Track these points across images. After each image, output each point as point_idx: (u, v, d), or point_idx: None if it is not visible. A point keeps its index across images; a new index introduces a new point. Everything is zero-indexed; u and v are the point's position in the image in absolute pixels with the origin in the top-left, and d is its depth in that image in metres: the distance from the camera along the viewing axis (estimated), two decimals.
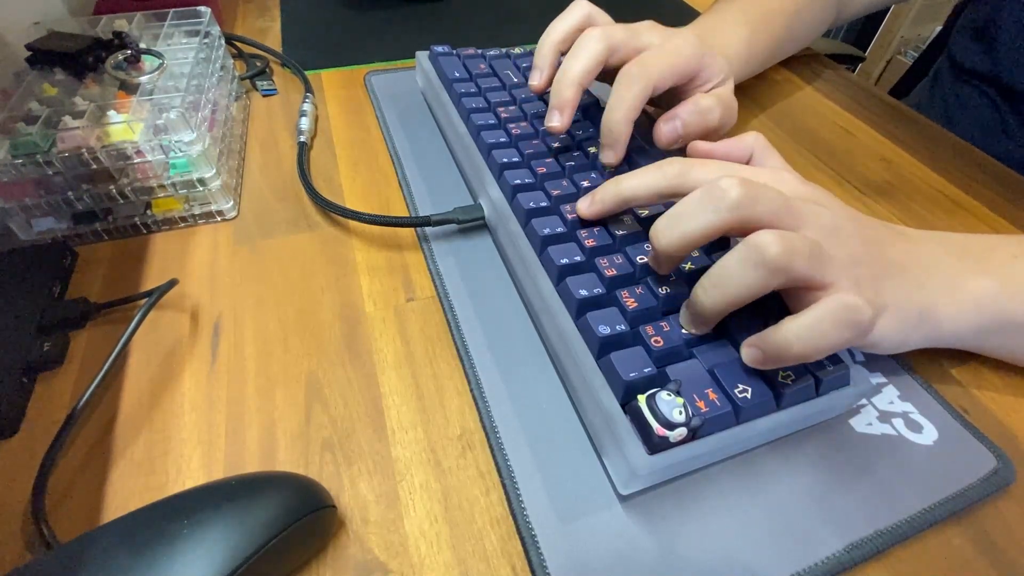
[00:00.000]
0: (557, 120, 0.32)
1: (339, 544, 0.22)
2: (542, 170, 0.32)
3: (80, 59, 0.33)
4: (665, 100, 0.38)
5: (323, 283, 0.31)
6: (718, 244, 0.28)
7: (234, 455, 0.24)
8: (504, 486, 0.23)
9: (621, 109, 0.30)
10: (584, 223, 0.29)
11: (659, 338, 0.24)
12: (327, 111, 0.44)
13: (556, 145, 0.34)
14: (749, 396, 0.23)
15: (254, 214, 0.35)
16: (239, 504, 0.20)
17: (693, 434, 0.22)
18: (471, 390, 0.26)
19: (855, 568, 0.22)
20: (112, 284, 0.30)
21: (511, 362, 0.27)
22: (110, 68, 0.34)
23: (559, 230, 0.28)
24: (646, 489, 0.23)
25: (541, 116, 0.36)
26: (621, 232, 0.28)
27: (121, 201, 0.32)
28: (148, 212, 0.33)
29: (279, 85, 0.45)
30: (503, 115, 0.36)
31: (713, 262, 0.23)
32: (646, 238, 0.28)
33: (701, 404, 0.22)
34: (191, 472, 0.23)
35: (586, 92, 0.40)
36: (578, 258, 0.27)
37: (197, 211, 0.33)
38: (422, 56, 0.43)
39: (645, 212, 0.30)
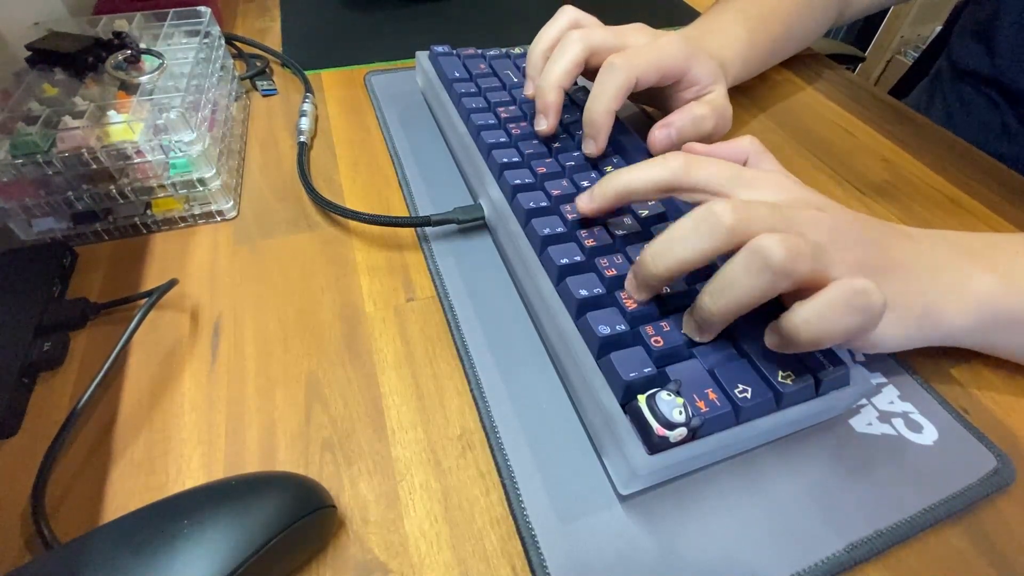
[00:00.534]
0: (544, 124, 0.33)
1: (339, 544, 0.22)
2: (542, 170, 0.32)
3: (80, 59, 0.33)
4: (659, 103, 0.38)
5: (323, 283, 0.31)
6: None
7: (234, 455, 0.24)
8: (504, 486, 0.23)
9: (602, 100, 0.31)
10: (584, 223, 0.29)
11: (659, 338, 0.24)
12: (327, 111, 0.44)
13: (556, 145, 0.34)
14: (749, 396, 0.23)
15: (254, 214, 0.35)
16: (239, 504, 0.20)
17: (693, 434, 0.22)
18: (471, 390, 0.26)
19: (855, 568, 0.22)
20: (112, 284, 0.30)
21: (511, 362, 0.27)
22: (110, 68, 0.34)
23: (559, 230, 0.28)
24: (646, 489, 0.23)
25: None
26: (621, 232, 0.28)
27: (121, 201, 0.32)
28: (148, 212, 0.33)
29: (279, 85, 0.45)
30: (503, 115, 0.36)
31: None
32: (646, 238, 0.28)
33: (701, 404, 0.22)
34: (191, 472, 0.23)
35: (585, 92, 0.40)
36: (578, 258, 0.27)
37: (197, 211, 0.33)
38: (422, 56, 0.43)
39: (645, 212, 0.30)
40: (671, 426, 0.21)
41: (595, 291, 0.26)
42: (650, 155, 0.34)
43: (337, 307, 0.30)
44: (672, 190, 0.26)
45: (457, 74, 0.40)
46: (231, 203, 0.34)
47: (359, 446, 0.25)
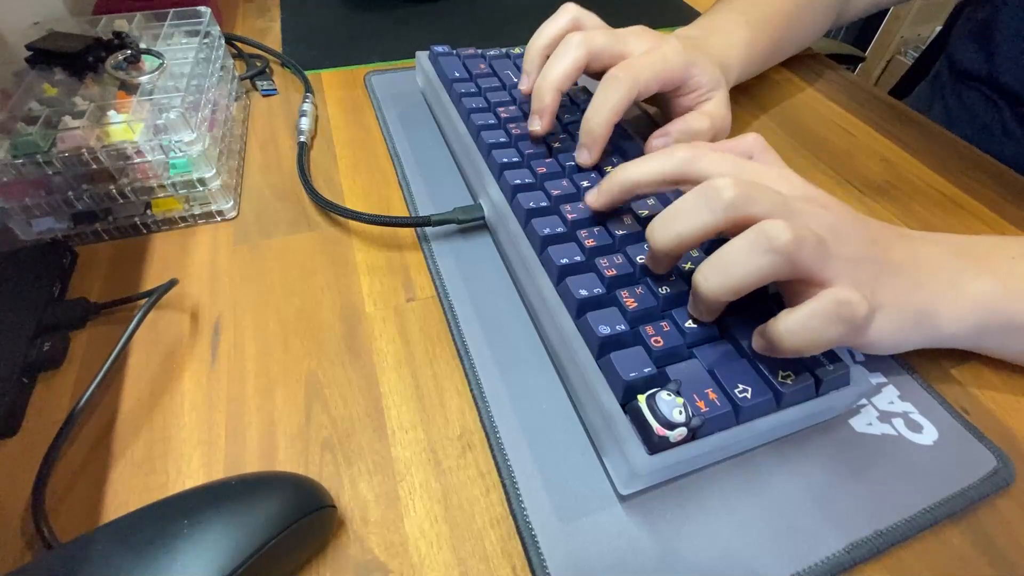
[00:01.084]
0: (537, 124, 0.33)
1: (339, 544, 0.22)
2: (542, 170, 0.32)
3: (80, 59, 0.33)
4: (660, 106, 0.38)
5: (323, 283, 0.31)
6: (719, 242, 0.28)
7: (234, 455, 0.24)
8: (504, 486, 0.23)
9: (603, 112, 0.31)
10: (584, 223, 0.29)
11: (659, 338, 0.24)
12: (327, 111, 0.44)
13: (556, 145, 0.34)
14: (749, 396, 0.23)
15: (254, 214, 0.35)
16: (239, 504, 0.20)
17: (693, 434, 0.22)
18: (471, 390, 0.26)
19: (855, 568, 0.22)
20: (112, 284, 0.30)
21: (511, 362, 0.27)
22: (110, 68, 0.34)
23: (559, 230, 0.28)
24: (646, 489, 0.23)
25: None
26: (621, 232, 0.28)
27: (121, 201, 0.32)
28: (148, 212, 0.33)
29: (279, 85, 0.45)
30: (503, 115, 0.36)
31: None
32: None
33: (701, 404, 0.22)
34: (191, 472, 0.23)
35: (586, 93, 0.40)
36: (578, 258, 0.27)
37: (197, 211, 0.33)
38: (422, 56, 0.43)
39: (645, 213, 0.30)
40: (671, 426, 0.21)
41: (595, 291, 0.26)
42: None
43: (337, 307, 0.30)
44: (678, 181, 0.26)
45: (457, 74, 0.40)
46: (231, 203, 0.34)
47: (359, 446, 0.25)
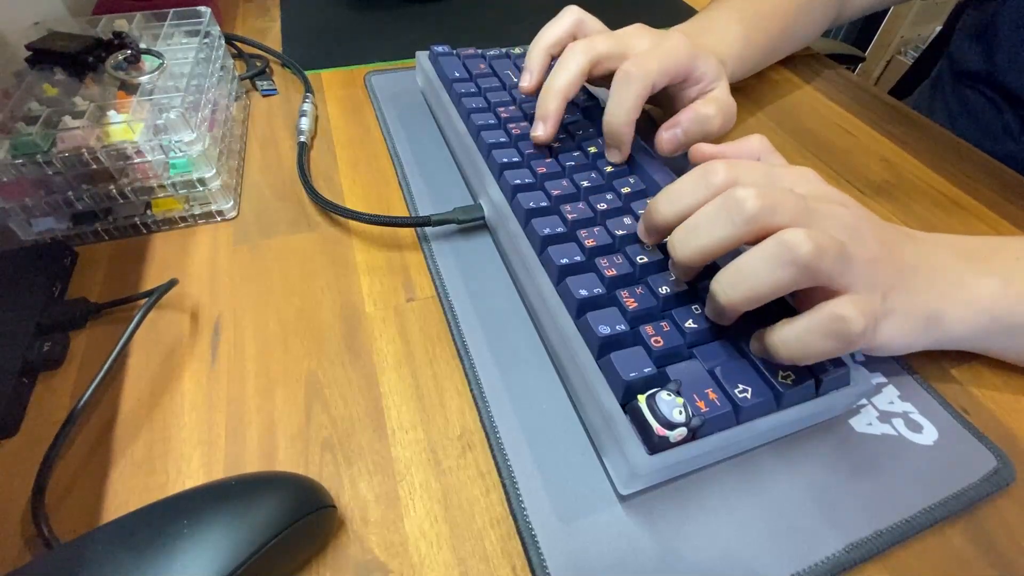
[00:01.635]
0: (542, 130, 0.33)
1: (339, 544, 0.22)
2: (542, 170, 0.32)
3: (80, 59, 0.33)
4: (662, 102, 0.38)
5: (323, 283, 0.31)
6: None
7: (234, 455, 0.24)
8: (504, 486, 0.23)
9: (622, 111, 0.31)
10: (584, 223, 0.29)
11: (659, 338, 0.24)
12: (327, 111, 0.44)
13: (556, 145, 0.34)
14: (749, 396, 0.23)
15: (254, 214, 0.35)
16: (239, 504, 0.20)
17: (693, 434, 0.22)
18: (471, 390, 0.26)
19: (855, 568, 0.22)
20: (112, 284, 0.30)
21: (511, 362, 0.27)
22: (110, 68, 0.34)
23: (559, 230, 0.28)
24: (646, 489, 0.23)
25: None
26: (621, 232, 0.28)
27: (121, 201, 0.32)
28: (148, 212, 0.33)
29: (279, 85, 0.45)
30: (503, 115, 0.36)
31: None
32: None
33: (701, 404, 0.22)
34: (191, 472, 0.23)
35: (586, 92, 0.40)
36: (578, 258, 0.27)
37: (197, 211, 0.33)
38: (422, 56, 0.43)
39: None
40: (671, 426, 0.21)
41: (595, 291, 0.26)
42: (653, 155, 0.34)
43: (337, 307, 0.30)
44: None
45: (457, 74, 0.40)
46: (231, 203, 0.34)
47: (359, 446, 0.25)
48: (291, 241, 0.33)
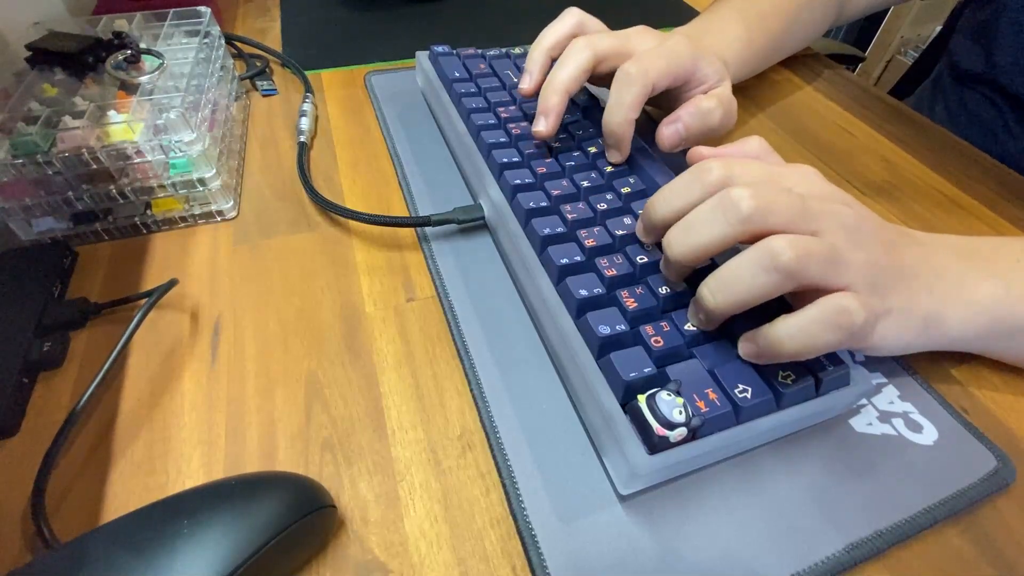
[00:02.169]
0: (543, 125, 0.32)
1: (339, 544, 0.22)
2: (542, 170, 0.32)
3: (80, 59, 0.33)
4: (664, 104, 0.38)
5: (323, 283, 0.31)
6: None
7: (234, 455, 0.24)
8: (504, 486, 0.23)
9: (621, 110, 0.31)
10: (584, 223, 0.29)
11: (659, 338, 0.24)
12: (327, 111, 0.44)
13: (556, 145, 0.34)
14: (749, 396, 0.23)
15: (254, 214, 0.35)
16: (239, 504, 0.20)
17: (693, 434, 0.22)
18: (471, 390, 0.26)
19: (855, 568, 0.22)
20: (112, 284, 0.30)
21: (511, 362, 0.27)
22: (110, 68, 0.34)
23: (559, 230, 0.28)
24: (646, 489, 0.23)
25: None
26: (621, 232, 0.28)
27: (121, 201, 0.32)
28: (148, 212, 0.33)
29: (279, 85, 0.45)
30: (503, 115, 0.36)
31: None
32: None
33: (701, 404, 0.22)
34: (191, 472, 0.23)
35: (586, 92, 0.40)
36: (578, 258, 0.27)
37: (197, 211, 0.33)
38: (422, 56, 0.43)
39: None
40: (671, 426, 0.21)
41: (595, 291, 0.26)
42: (653, 155, 0.34)
43: (337, 307, 0.30)
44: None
45: (457, 74, 0.40)
46: (231, 203, 0.34)
47: (359, 446, 0.25)
48: (291, 241, 0.33)
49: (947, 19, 0.67)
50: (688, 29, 0.42)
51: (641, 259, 0.27)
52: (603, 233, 0.29)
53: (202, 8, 0.39)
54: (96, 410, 0.25)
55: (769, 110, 0.48)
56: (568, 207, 0.30)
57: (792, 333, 0.21)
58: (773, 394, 0.23)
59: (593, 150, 0.34)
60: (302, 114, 0.41)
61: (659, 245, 0.28)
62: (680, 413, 0.21)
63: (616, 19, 0.37)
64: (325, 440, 0.25)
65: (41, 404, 0.25)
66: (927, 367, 0.29)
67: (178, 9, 0.39)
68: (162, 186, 0.32)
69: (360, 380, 0.27)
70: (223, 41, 0.41)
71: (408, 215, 0.35)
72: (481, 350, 0.28)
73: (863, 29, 1.65)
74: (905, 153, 0.44)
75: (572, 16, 0.35)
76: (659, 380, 0.23)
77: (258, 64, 0.46)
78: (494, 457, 0.24)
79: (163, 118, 0.30)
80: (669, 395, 0.22)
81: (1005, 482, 0.24)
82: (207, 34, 0.38)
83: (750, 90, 0.49)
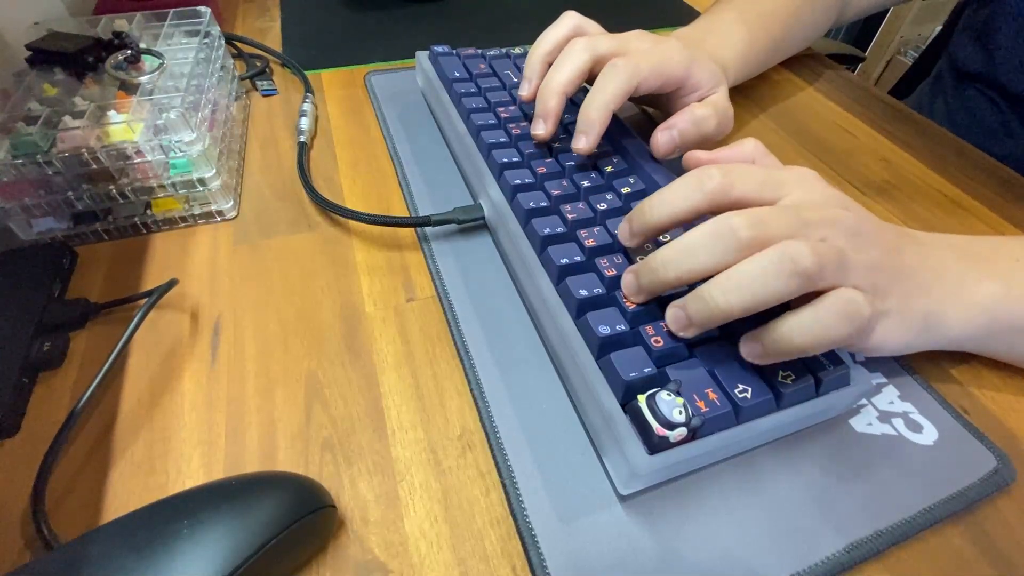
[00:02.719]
0: (542, 128, 0.33)
1: (339, 544, 0.22)
2: (542, 170, 0.32)
3: (80, 59, 0.33)
4: (661, 106, 0.38)
5: (323, 283, 0.31)
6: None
7: (234, 455, 0.24)
8: (504, 486, 0.23)
9: (600, 98, 0.30)
10: (584, 223, 0.29)
11: (659, 338, 0.24)
12: (327, 111, 0.44)
13: (556, 145, 0.34)
14: (749, 396, 0.23)
15: (254, 214, 0.35)
16: (239, 504, 0.20)
17: (693, 434, 0.22)
18: (471, 390, 0.26)
19: (855, 568, 0.22)
20: (112, 284, 0.30)
21: (511, 362, 0.27)
22: (110, 68, 0.34)
23: (559, 230, 0.28)
24: (646, 489, 0.23)
25: None
26: None
27: (121, 201, 0.32)
28: (148, 212, 0.33)
29: (279, 85, 0.45)
30: (503, 115, 0.36)
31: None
32: None
33: (701, 404, 0.22)
34: (191, 472, 0.23)
35: (584, 93, 0.40)
36: (578, 258, 0.27)
37: (197, 211, 0.33)
38: (422, 56, 0.43)
39: None
40: (671, 426, 0.21)
41: (595, 291, 0.26)
42: (652, 157, 0.34)
43: (337, 307, 0.30)
44: (716, 212, 0.24)
45: (457, 74, 0.40)
46: (231, 203, 0.34)
47: (359, 446, 0.25)
48: (291, 241, 0.33)
49: (947, 19, 0.67)
50: (689, 30, 0.42)
51: (641, 260, 0.27)
52: (603, 233, 0.29)
53: (202, 8, 0.39)
54: (96, 410, 0.25)
55: (770, 110, 0.48)
56: (568, 207, 0.30)
57: (804, 326, 0.21)
58: (773, 394, 0.23)
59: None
60: (302, 114, 0.41)
61: (636, 250, 0.27)
62: (680, 413, 0.21)
63: (616, 20, 0.37)
64: (325, 440, 0.25)
65: (41, 404, 0.25)
66: (927, 367, 0.29)
67: (178, 9, 0.39)
68: (162, 186, 0.32)
69: (360, 380, 0.27)
70: (223, 41, 0.41)
71: (408, 215, 0.35)
72: (481, 350, 0.28)
73: (863, 29, 1.65)
74: (905, 153, 0.44)
75: (570, 20, 0.35)
76: (659, 380, 0.23)
77: (258, 64, 0.46)
78: (494, 457, 0.24)
79: (163, 118, 0.30)
80: (669, 395, 0.22)
81: (1005, 482, 0.24)
82: (207, 34, 0.38)
83: (750, 90, 0.49)
